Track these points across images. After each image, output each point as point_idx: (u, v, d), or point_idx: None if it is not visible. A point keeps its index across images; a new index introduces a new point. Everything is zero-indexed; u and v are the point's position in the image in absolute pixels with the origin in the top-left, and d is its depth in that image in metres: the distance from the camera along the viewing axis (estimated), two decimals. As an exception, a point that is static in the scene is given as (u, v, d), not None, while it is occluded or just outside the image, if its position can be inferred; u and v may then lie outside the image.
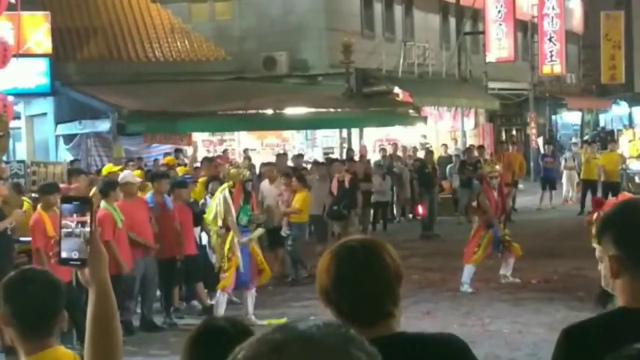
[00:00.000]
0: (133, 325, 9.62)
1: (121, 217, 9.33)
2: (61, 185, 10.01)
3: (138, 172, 12.43)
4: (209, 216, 9.92)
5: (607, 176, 19.56)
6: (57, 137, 20.12)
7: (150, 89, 19.28)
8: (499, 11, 27.54)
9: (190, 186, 11.50)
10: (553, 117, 33.66)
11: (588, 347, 2.10)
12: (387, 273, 2.19)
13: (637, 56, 37.12)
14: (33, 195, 10.80)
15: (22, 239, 9.36)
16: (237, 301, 10.24)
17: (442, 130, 26.37)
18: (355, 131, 22.00)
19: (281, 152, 19.39)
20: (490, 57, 27.61)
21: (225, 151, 19.70)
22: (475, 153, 19.45)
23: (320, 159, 19.04)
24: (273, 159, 17.43)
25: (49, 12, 19.27)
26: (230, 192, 9.72)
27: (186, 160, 16.84)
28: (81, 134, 19.55)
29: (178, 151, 17.97)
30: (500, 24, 27.62)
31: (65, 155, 19.00)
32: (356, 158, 18.36)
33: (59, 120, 20.04)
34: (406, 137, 23.79)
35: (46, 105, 20.19)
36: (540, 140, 28.00)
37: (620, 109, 38.23)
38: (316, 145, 22.59)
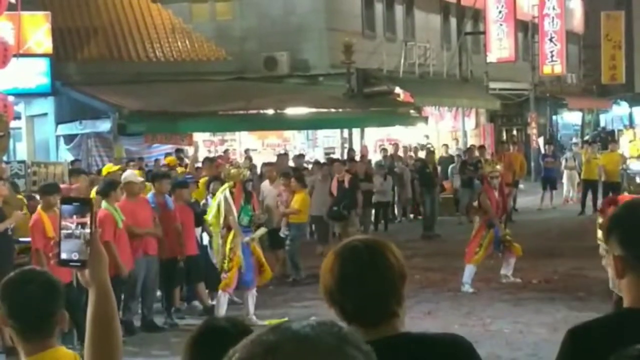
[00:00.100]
0: (134, 326, 9.62)
1: (122, 217, 9.33)
2: (62, 186, 10.02)
3: (138, 172, 12.41)
4: (209, 216, 9.92)
5: (608, 176, 19.56)
6: (57, 137, 20.11)
7: (151, 89, 19.28)
8: (500, 11, 27.54)
9: (191, 186, 11.50)
10: (554, 117, 33.66)
11: (593, 347, 2.10)
12: (391, 273, 2.19)
13: (637, 56, 37.12)
14: (31, 194, 10.82)
15: (21, 239, 9.36)
16: (238, 301, 10.24)
17: (443, 131, 26.37)
18: (356, 131, 22.00)
19: (282, 152, 19.40)
20: (491, 57, 27.61)
21: (226, 151, 19.70)
22: (476, 153, 19.46)
23: (322, 159, 19.03)
24: (274, 159, 17.43)
25: (49, 12, 19.27)
26: (231, 192, 9.72)
27: (187, 161, 16.83)
28: (82, 134, 19.54)
29: (179, 151, 17.97)
30: (501, 24, 27.62)
31: (66, 155, 18.99)
32: (357, 158, 18.35)
33: (59, 121, 20.04)
34: (407, 137, 23.79)
35: (47, 105, 20.19)
36: (540, 140, 28.02)
37: (620, 109, 38.22)
38: (317, 145, 22.59)
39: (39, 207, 9.04)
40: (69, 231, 2.06)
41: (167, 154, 17.75)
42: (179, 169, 14.68)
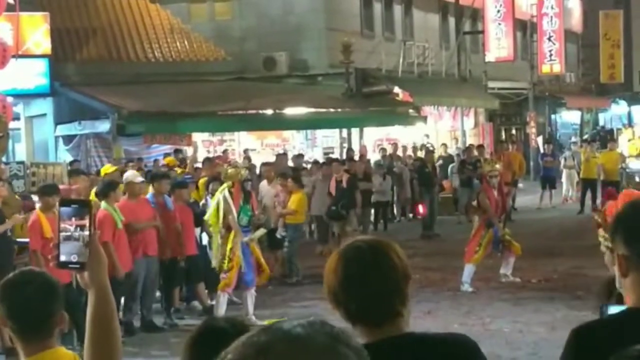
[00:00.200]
0: (134, 326, 9.62)
1: (121, 218, 9.33)
2: (62, 187, 10.00)
3: (137, 173, 12.40)
4: (208, 216, 9.92)
5: (607, 175, 19.57)
6: (56, 137, 20.11)
7: (150, 90, 19.27)
8: (498, 11, 27.55)
9: (190, 186, 11.50)
10: (552, 116, 33.67)
11: (597, 347, 2.11)
12: (395, 273, 2.19)
13: (636, 55, 37.14)
14: (26, 194, 10.82)
15: (18, 240, 9.36)
16: (237, 301, 10.24)
17: (442, 130, 26.39)
18: (355, 131, 22.01)
19: (281, 152, 19.40)
20: (490, 56, 27.62)
21: (225, 151, 19.70)
22: (475, 152, 19.47)
23: (321, 159, 19.04)
24: (273, 159, 17.44)
25: (47, 13, 19.27)
26: (230, 192, 9.72)
27: (187, 161, 16.83)
28: (81, 134, 19.54)
29: (177, 152, 17.96)
30: (499, 24, 27.62)
31: (65, 156, 18.98)
32: (356, 158, 18.35)
33: (58, 121, 20.03)
34: (406, 136, 23.79)
35: (45, 106, 20.18)
36: (539, 140, 28.01)
37: (619, 108, 38.24)
38: (316, 145, 22.59)
39: (38, 208, 9.03)
40: (68, 233, 2.06)
41: (166, 155, 17.74)
42: (178, 170, 14.68)
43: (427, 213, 17.62)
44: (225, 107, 19.17)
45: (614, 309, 2.32)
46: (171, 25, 21.67)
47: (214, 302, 10.06)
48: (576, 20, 35.51)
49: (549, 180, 21.61)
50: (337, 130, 22.13)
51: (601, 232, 3.50)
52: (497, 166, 12.38)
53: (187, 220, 10.40)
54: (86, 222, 2.07)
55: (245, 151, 20.09)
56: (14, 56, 13.65)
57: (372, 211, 17.53)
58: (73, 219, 2.07)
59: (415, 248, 14.70)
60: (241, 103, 19.24)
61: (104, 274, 2.12)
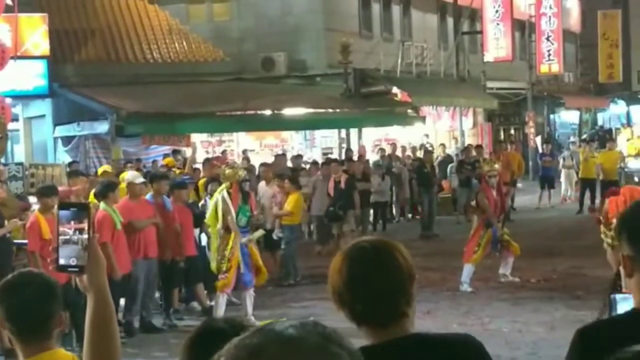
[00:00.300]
0: (134, 327, 9.61)
1: (120, 219, 9.33)
2: (62, 188, 10.00)
3: (137, 173, 12.39)
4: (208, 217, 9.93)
5: (606, 175, 19.58)
6: (55, 139, 20.10)
7: (149, 91, 19.27)
8: (497, 11, 27.56)
9: (189, 187, 11.50)
10: (551, 116, 33.68)
11: (602, 347, 2.11)
12: (400, 273, 2.18)
13: (634, 55, 37.15)
14: (21, 194, 10.81)
15: (16, 241, 9.36)
16: (236, 302, 10.24)
17: (441, 130, 26.39)
18: (354, 131, 22.01)
19: (280, 152, 19.41)
20: (488, 56, 27.62)
21: (224, 152, 19.70)
22: (474, 153, 19.48)
23: (319, 160, 19.05)
24: (272, 160, 17.45)
25: (46, 14, 19.26)
26: (229, 193, 9.72)
27: (186, 162, 16.83)
28: (79, 135, 19.53)
29: (175, 152, 17.95)
30: (497, 24, 27.63)
31: (64, 157, 18.98)
32: (355, 158, 18.36)
33: (57, 122, 20.02)
34: (405, 137, 23.80)
35: (44, 107, 20.18)
36: (538, 140, 28.02)
37: (618, 108, 38.26)
38: (315, 145, 22.59)
39: (37, 209, 9.03)
40: (67, 237, 2.06)
41: (165, 155, 17.74)
42: (177, 171, 14.68)
43: (426, 213, 17.63)
44: (224, 107, 19.17)
45: (621, 299, 2.33)
46: (169, 26, 21.67)
47: (213, 303, 10.06)
48: (574, 20, 35.53)
49: (548, 180, 21.62)
50: (335, 131, 22.13)
51: (602, 228, 3.50)
52: (496, 166, 12.39)
53: (186, 221, 10.40)
54: (85, 225, 2.07)
55: (244, 152, 20.09)
56: (12, 57, 13.65)
57: (371, 211, 17.54)
58: (72, 222, 2.07)
59: (414, 248, 14.69)
60: (240, 104, 19.25)
61: (103, 277, 2.12)
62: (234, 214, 9.64)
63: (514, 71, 28.68)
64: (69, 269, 2.08)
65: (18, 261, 9.07)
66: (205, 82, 20.33)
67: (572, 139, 29.25)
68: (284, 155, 18.63)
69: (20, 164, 13.77)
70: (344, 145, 21.56)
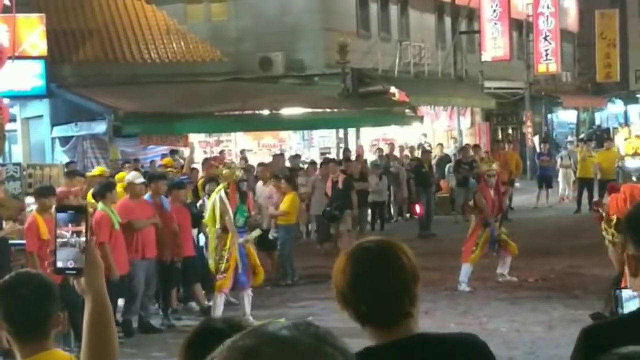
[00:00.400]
0: (133, 328, 9.60)
1: (118, 219, 9.33)
2: (61, 189, 9.95)
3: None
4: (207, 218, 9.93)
5: (604, 174, 19.60)
6: (53, 139, 20.09)
7: (147, 91, 19.27)
8: (495, 10, 27.58)
9: (188, 187, 11.49)
10: (549, 115, 33.71)
11: (607, 347, 2.12)
12: (404, 273, 2.18)
13: (632, 55, 37.18)
14: (15, 194, 10.82)
15: (14, 242, 9.36)
16: (235, 302, 10.24)
17: (439, 130, 26.40)
18: (352, 131, 22.01)
19: (278, 153, 19.41)
20: (486, 56, 27.64)
21: (222, 152, 19.69)
22: (471, 152, 19.49)
23: (318, 160, 19.06)
24: (270, 160, 17.46)
25: (44, 15, 19.24)
26: (226, 193, 9.72)
27: (182, 162, 16.83)
28: (77, 136, 19.52)
29: (173, 152, 17.95)
30: (495, 24, 27.65)
31: (62, 157, 18.96)
32: (353, 158, 18.36)
33: (55, 123, 20.01)
34: (403, 137, 23.80)
35: (42, 107, 20.17)
36: (536, 139, 28.05)
37: (615, 108, 38.30)
38: (313, 145, 22.60)
39: (35, 210, 9.02)
40: (65, 240, 2.07)
41: (164, 156, 17.74)
42: (174, 170, 14.67)
43: (424, 213, 17.64)
44: (222, 108, 19.17)
45: (627, 297, 2.34)
46: (167, 26, 21.66)
47: (211, 303, 10.06)
48: (572, 20, 35.55)
49: (546, 180, 21.63)
50: (334, 131, 22.13)
51: (603, 225, 3.51)
52: (494, 166, 12.39)
53: (185, 222, 10.40)
54: (83, 228, 2.07)
55: (242, 152, 20.10)
56: (10, 58, 13.63)
57: (369, 211, 17.55)
58: (70, 225, 2.08)
59: (413, 248, 14.45)
60: (238, 104, 19.25)
61: (101, 280, 2.12)
62: (231, 215, 9.64)
63: (511, 71, 28.70)
64: (67, 272, 2.09)
65: (16, 262, 9.06)
66: (203, 83, 20.32)
67: (570, 138, 29.25)
68: (282, 155, 18.64)
69: (18, 164, 13.76)
70: (342, 145, 21.56)
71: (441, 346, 2.22)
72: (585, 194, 19.83)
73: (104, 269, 2.19)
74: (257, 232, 10.32)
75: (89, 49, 20.73)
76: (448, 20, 28.08)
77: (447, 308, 10.26)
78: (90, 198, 10.18)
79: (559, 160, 22.39)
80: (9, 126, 17.96)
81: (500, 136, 29.41)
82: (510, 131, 30.92)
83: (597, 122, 37.83)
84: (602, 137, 27.32)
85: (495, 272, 11.81)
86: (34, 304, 2.57)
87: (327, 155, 20.20)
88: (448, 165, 20.38)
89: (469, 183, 17.49)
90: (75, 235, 2.07)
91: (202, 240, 10.95)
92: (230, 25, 22.91)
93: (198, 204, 11.33)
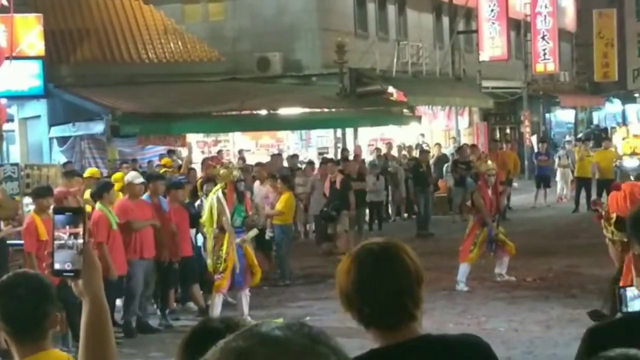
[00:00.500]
0: (133, 328, 9.59)
1: (116, 219, 9.32)
2: (59, 189, 9.95)
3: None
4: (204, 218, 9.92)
5: (602, 173, 19.62)
6: (50, 139, 20.06)
7: (144, 91, 19.25)
8: (492, 10, 27.59)
9: (186, 187, 11.49)
10: (547, 115, 33.73)
11: (610, 347, 2.13)
12: (408, 275, 2.18)
13: (629, 54, 37.22)
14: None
15: (11, 242, 9.35)
16: (232, 302, 10.24)
17: (437, 130, 26.41)
18: (349, 131, 22.01)
19: (276, 152, 19.41)
20: (484, 55, 27.65)
21: (220, 152, 19.69)
22: (468, 152, 19.51)
23: (315, 159, 19.07)
24: (268, 160, 17.46)
25: (41, 14, 19.21)
26: (224, 193, 9.72)
27: (179, 162, 16.83)
28: (75, 136, 19.49)
29: (170, 152, 17.94)
30: (493, 23, 27.66)
31: (59, 157, 18.94)
32: (351, 158, 18.37)
33: (52, 123, 19.98)
34: (401, 136, 23.81)
35: (39, 107, 20.14)
36: (534, 139, 28.07)
37: (613, 107, 38.33)
38: (311, 145, 22.60)
39: (32, 210, 9.01)
40: (62, 241, 2.06)
41: (161, 155, 17.74)
42: (171, 171, 14.65)
43: (422, 212, 17.65)
44: (220, 107, 19.16)
45: (632, 296, 2.35)
46: (165, 26, 21.65)
47: (209, 303, 10.06)
48: (570, 19, 35.58)
49: (544, 179, 21.65)
50: (331, 131, 22.13)
51: (603, 223, 3.51)
52: (489, 163, 12.39)
53: (182, 222, 10.39)
54: (80, 230, 2.06)
55: (240, 152, 20.09)
56: (7, 58, 13.64)
57: (367, 211, 17.55)
58: (67, 227, 2.07)
59: (411, 248, 14.71)
60: (235, 103, 19.24)
61: (99, 281, 2.12)
62: (228, 215, 9.63)
63: (509, 70, 28.72)
64: (65, 274, 2.08)
65: (13, 262, 9.05)
66: (200, 82, 20.31)
67: (567, 138, 29.29)
68: (279, 155, 18.64)
69: (16, 164, 13.75)
70: (340, 145, 21.56)
71: (445, 347, 2.22)
72: (583, 194, 19.85)
73: (102, 269, 2.19)
74: (253, 232, 10.32)
75: (86, 49, 20.71)
76: (445, 20, 28.09)
77: (445, 307, 10.25)
78: (86, 197, 10.18)
79: (556, 160, 22.41)
80: (6, 126, 17.97)
81: (498, 135, 29.43)
82: (508, 130, 30.94)
83: (595, 122, 37.87)
84: (599, 137, 27.34)
85: (493, 272, 11.81)
86: (31, 303, 2.56)
87: (325, 155, 20.20)
88: (445, 165, 20.39)
89: (466, 182, 17.50)
90: (72, 237, 2.06)
91: (200, 240, 10.94)
92: (228, 25, 22.90)
93: (196, 204, 11.32)
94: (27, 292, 2.58)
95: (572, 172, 21.32)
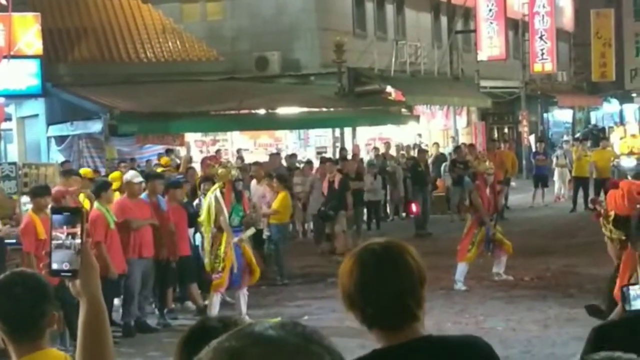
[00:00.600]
0: (132, 328, 9.58)
1: (114, 218, 9.32)
2: (57, 188, 9.94)
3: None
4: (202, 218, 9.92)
5: (599, 173, 19.65)
6: (48, 138, 20.04)
7: (142, 90, 19.24)
8: (490, 9, 27.59)
9: (184, 186, 11.48)
10: (544, 114, 33.76)
11: (616, 345, 2.14)
12: (411, 275, 2.18)
13: (627, 54, 37.25)
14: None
15: (8, 241, 9.34)
16: (230, 301, 10.24)
17: (435, 129, 26.42)
18: (348, 130, 22.01)
19: (274, 151, 19.40)
20: (482, 55, 27.66)
21: (218, 151, 19.68)
22: (465, 151, 19.53)
23: (314, 159, 19.06)
24: (266, 159, 17.45)
25: (39, 13, 19.19)
26: (222, 192, 9.72)
27: (178, 161, 16.82)
28: (73, 135, 19.47)
29: (169, 152, 17.93)
30: (491, 23, 27.67)
31: (57, 156, 18.92)
32: (349, 157, 18.37)
33: (50, 122, 19.96)
34: (399, 135, 23.81)
35: (37, 106, 20.12)
36: (532, 138, 28.08)
37: (611, 107, 38.36)
38: (309, 144, 22.59)
39: (30, 209, 9.01)
40: (60, 241, 2.06)
41: (160, 155, 17.73)
42: (168, 169, 14.63)
43: (420, 212, 17.65)
44: (218, 107, 19.15)
45: (635, 295, 2.37)
46: (163, 25, 21.63)
47: (207, 302, 10.06)
48: (568, 19, 35.59)
49: (542, 179, 21.67)
50: (329, 130, 22.13)
51: (602, 221, 3.51)
52: (487, 163, 12.40)
53: (181, 221, 10.39)
54: (78, 230, 2.06)
55: (239, 151, 20.08)
56: (5, 57, 13.64)
57: (365, 210, 17.55)
58: (65, 226, 2.06)
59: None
60: (234, 103, 19.22)
61: (97, 282, 2.11)
62: (226, 214, 9.63)
63: (507, 70, 28.73)
64: (62, 274, 2.07)
65: (10, 261, 9.05)
66: (199, 82, 20.30)
67: (565, 137, 29.32)
68: (278, 154, 18.64)
69: (14, 163, 13.72)
70: (338, 144, 21.57)
71: (447, 348, 2.22)
72: (581, 193, 19.87)
73: (101, 268, 2.19)
74: (251, 231, 10.32)
75: (84, 48, 20.69)
76: (444, 19, 28.09)
77: (443, 307, 10.26)
78: (81, 197, 10.17)
79: (554, 159, 22.43)
80: (4, 125, 17.97)
81: (496, 135, 29.43)
82: (506, 130, 30.96)
83: (593, 121, 37.90)
84: (597, 136, 27.35)
85: (491, 271, 11.82)
86: (28, 302, 2.56)
87: (323, 155, 20.19)
88: (443, 164, 20.40)
89: (464, 182, 17.50)
90: (70, 236, 2.06)
91: (198, 239, 10.94)
92: (226, 24, 22.89)
93: (194, 203, 11.32)
94: (25, 291, 2.57)
95: (570, 171, 21.34)
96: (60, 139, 19.83)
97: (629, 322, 2.28)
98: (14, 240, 9.18)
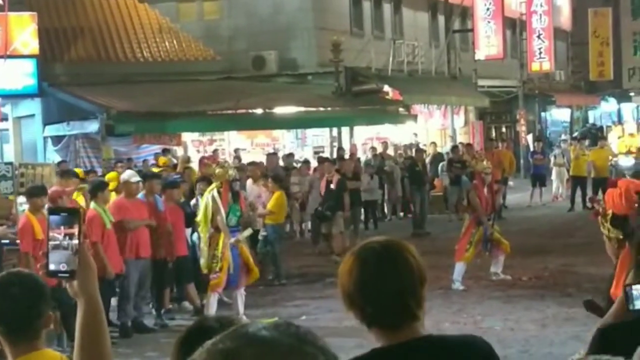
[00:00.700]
0: (129, 328, 9.56)
1: (110, 218, 9.29)
2: (54, 188, 9.90)
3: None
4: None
5: (597, 172, 19.65)
6: (45, 138, 20.01)
7: (139, 90, 19.21)
8: (488, 9, 27.61)
9: (181, 186, 11.46)
10: (542, 114, 33.78)
11: (620, 345, 2.13)
12: (411, 274, 2.17)
13: (625, 53, 37.27)
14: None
15: (3, 242, 9.32)
16: (228, 301, 10.22)
17: (432, 128, 26.42)
18: (345, 130, 22.00)
19: (271, 151, 19.38)
20: (480, 54, 27.67)
21: (215, 151, 19.66)
22: (462, 151, 19.53)
23: (311, 158, 19.05)
24: (263, 159, 17.44)
25: (35, 13, 19.16)
26: (219, 192, 9.69)
27: (175, 161, 16.79)
28: (69, 135, 19.44)
29: (165, 151, 17.91)
30: (489, 22, 27.68)
31: (54, 156, 18.88)
32: (346, 157, 18.35)
33: (46, 122, 19.92)
34: (396, 135, 23.80)
35: (34, 106, 20.08)
36: (529, 137, 28.10)
37: (609, 106, 38.40)
38: (306, 144, 22.58)
39: (27, 210, 8.98)
40: (57, 242, 2.04)
41: (157, 155, 17.71)
42: (166, 169, 14.61)
43: (418, 211, 17.65)
44: (215, 106, 19.13)
45: (638, 291, 2.37)
46: (160, 24, 21.60)
47: (204, 302, 10.04)
48: (565, 18, 35.62)
49: (539, 178, 21.67)
50: (327, 129, 22.12)
51: (600, 220, 3.50)
52: (485, 163, 12.39)
53: (178, 221, 10.37)
54: (75, 230, 2.04)
55: (236, 151, 20.07)
56: (1, 56, 13.60)
57: (362, 210, 17.53)
58: (62, 227, 2.05)
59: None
60: (231, 102, 19.21)
61: (94, 282, 2.10)
62: (223, 214, 9.61)
63: (505, 69, 28.74)
64: (59, 275, 2.06)
65: (7, 261, 9.02)
66: (195, 81, 20.28)
67: (563, 136, 29.35)
68: (275, 154, 18.62)
69: (10, 163, 13.67)
70: (336, 144, 21.56)
71: (447, 348, 2.21)
72: (579, 192, 19.87)
73: (98, 268, 2.17)
74: (248, 231, 10.30)
75: (80, 48, 20.65)
76: (441, 19, 28.08)
77: (441, 306, 10.24)
78: (76, 196, 10.14)
79: (552, 159, 22.43)
80: (0, 125, 17.93)
81: (493, 134, 29.46)
82: (504, 129, 30.97)
83: (590, 120, 37.93)
84: (595, 135, 27.37)
85: (489, 271, 11.81)
86: (25, 303, 2.55)
87: (321, 154, 20.18)
88: (441, 164, 20.40)
89: (462, 181, 17.49)
90: (67, 237, 2.04)
91: (195, 239, 10.91)
92: (223, 24, 22.87)
93: (192, 203, 11.30)
94: (21, 291, 2.56)
95: (568, 171, 21.35)
96: (56, 139, 19.80)
97: (633, 323, 2.27)
98: (5, 241, 9.14)
